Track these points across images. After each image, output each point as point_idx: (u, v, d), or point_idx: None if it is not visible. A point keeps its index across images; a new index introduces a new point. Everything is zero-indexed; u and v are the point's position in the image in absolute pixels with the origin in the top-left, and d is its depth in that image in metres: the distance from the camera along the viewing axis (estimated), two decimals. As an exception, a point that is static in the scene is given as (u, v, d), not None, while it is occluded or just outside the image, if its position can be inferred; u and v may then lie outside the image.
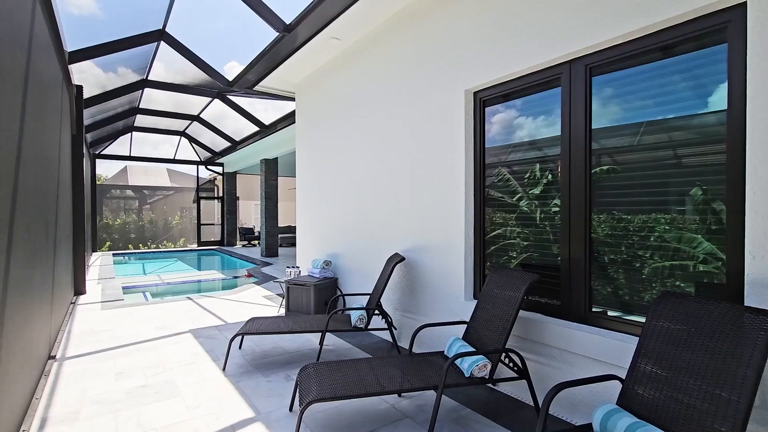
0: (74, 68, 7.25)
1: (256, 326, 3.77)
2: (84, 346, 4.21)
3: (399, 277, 4.30)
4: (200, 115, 11.59)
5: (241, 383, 3.28)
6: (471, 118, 3.55)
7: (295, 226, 20.07)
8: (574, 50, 2.72)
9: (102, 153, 14.18)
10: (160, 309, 5.88)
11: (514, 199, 3.32)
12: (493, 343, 2.71)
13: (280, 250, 14.63)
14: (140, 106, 10.67)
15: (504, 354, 2.67)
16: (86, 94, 9.89)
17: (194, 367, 3.64)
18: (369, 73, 4.82)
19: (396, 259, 3.85)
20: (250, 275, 9.31)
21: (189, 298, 6.59)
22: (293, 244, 17.55)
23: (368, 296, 4.38)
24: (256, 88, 6.63)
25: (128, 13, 6.91)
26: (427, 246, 3.89)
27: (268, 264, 10.96)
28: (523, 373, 2.61)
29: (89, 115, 9.20)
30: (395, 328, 3.80)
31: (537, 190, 3.16)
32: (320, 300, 5.12)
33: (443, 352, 3.04)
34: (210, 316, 5.46)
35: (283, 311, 5.71)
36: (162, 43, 6.76)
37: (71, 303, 6.19)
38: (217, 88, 9.04)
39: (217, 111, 11.61)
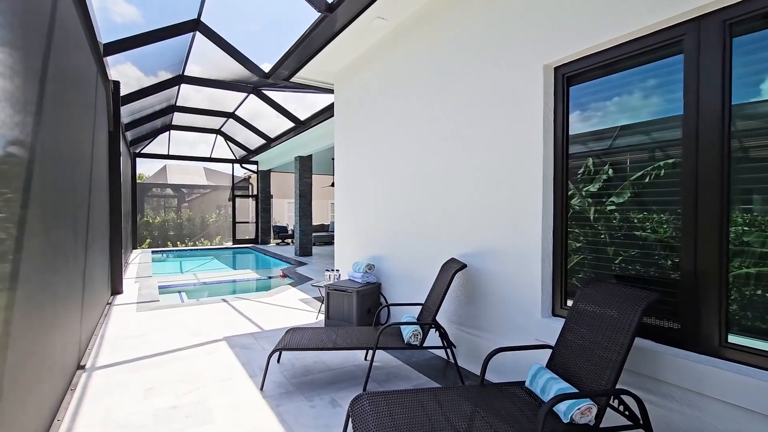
0: (116, 72, 7.19)
1: (296, 340, 3.35)
2: (115, 354, 3.94)
3: (454, 285, 3.77)
4: (236, 113, 11.46)
5: (281, 408, 2.85)
6: (551, 100, 2.96)
7: (328, 225, 19.89)
8: (705, 2, 2.09)
9: (142, 152, 14.40)
10: (195, 312, 5.62)
11: (610, 199, 2.71)
12: (595, 378, 2.13)
13: (314, 249, 14.39)
14: (177, 104, 10.63)
15: (613, 396, 2.09)
16: (133, 112, 9.96)
17: (229, 383, 3.26)
18: (418, 55, 4.29)
19: (455, 267, 3.31)
20: (284, 276, 9.03)
21: (224, 300, 6.32)
22: (327, 243, 17.31)
23: (420, 307, 3.87)
24: (293, 79, 6.27)
25: (167, 13, 6.71)
26: (492, 250, 3.34)
27: (302, 264, 10.68)
28: (639, 421, 2.02)
29: (128, 113, 9.20)
30: (455, 347, 3.28)
31: (637, 185, 2.54)
32: (363, 307, 4.66)
33: (523, 383, 2.49)
34: (245, 322, 5.13)
35: (322, 318, 5.30)
36: (197, 34, 6.51)
37: (107, 303, 6.06)
38: (253, 83, 8.79)
39: (252, 108, 11.44)
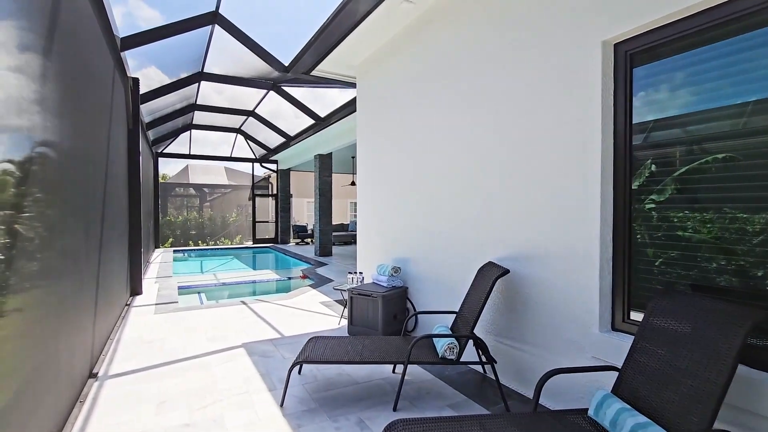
0: (141, 75, 7.10)
1: (318, 351, 3.06)
2: (130, 361, 3.74)
3: (492, 291, 3.40)
4: (255, 111, 11.33)
5: (303, 429, 2.56)
6: (611, 82, 2.57)
7: (347, 224, 19.68)
8: (826, -50, 1.68)
9: (164, 152, 14.48)
10: (213, 315, 5.42)
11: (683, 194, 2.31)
12: (683, 413, 1.75)
13: (334, 249, 14.17)
14: (197, 102, 10.55)
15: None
16: (153, 111, 9.93)
17: (247, 397, 3.00)
18: (450, 40, 3.94)
19: (496, 272, 2.96)
20: (305, 277, 8.80)
21: (243, 303, 6.11)
22: (346, 243, 17.10)
23: (453, 315, 3.52)
24: (314, 72, 6.00)
25: (187, 12, 6.57)
26: (537, 254, 2.97)
27: (322, 264, 10.45)
28: (744, 469, 1.63)
29: (148, 112, 9.15)
30: (495, 362, 2.93)
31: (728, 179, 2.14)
32: (389, 313, 4.34)
33: (585, 411, 2.12)
34: (264, 326, 4.88)
35: (344, 323, 5.01)
36: (216, 28, 6.32)
37: (126, 305, 5.93)
38: (272, 79, 8.60)
39: (271, 107, 11.30)
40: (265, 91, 9.26)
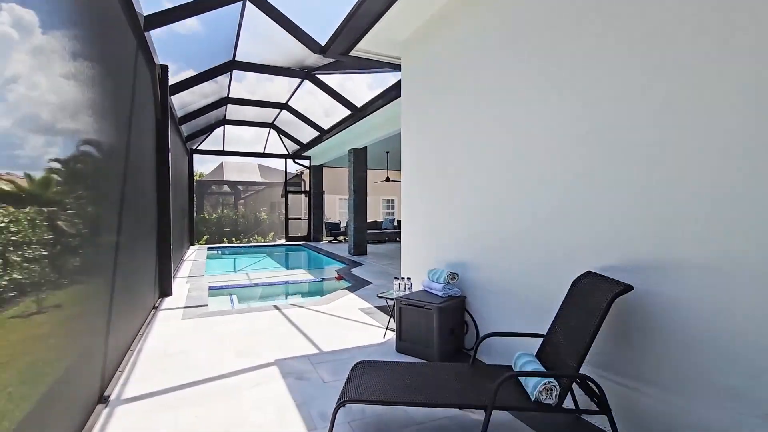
0: (179, 79, 6.73)
1: (369, 383, 2.40)
2: (148, 381, 3.23)
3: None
4: (288, 103, 10.88)
5: (354, 498, 1.91)
6: (808, 11, 1.74)
7: (381, 222, 19.07)
8: None
9: (198, 148, 14.36)
10: (244, 322, 4.90)
11: None
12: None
13: (368, 248, 13.57)
14: (230, 95, 10.20)
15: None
16: (186, 105, 9.66)
17: (280, 440, 2.38)
18: (501, 19, 3.17)
19: (613, 288, 2.18)
20: (340, 278, 8.23)
21: (276, 308, 5.58)
22: (380, 242, 16.48)
23: (538, 339, 2.77)
24: (353, 53, 5.36)
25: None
26: (667, 263, 2.17)
27: (357, 264, 9.86)
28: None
29: (180, 106, 8.85)
30: (610, 411, 2.16)
31: None
32: (445, 327, 3.64)
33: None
34: (300, 338, 4.30)
35: (390, 336, 4.35)
36: (248, 5, 5.80)
37: (153, 308, 5.53)
38: (307, 67, 8.05)
39: (305, 100, 10.81)
40: (299, 80, 8.75)
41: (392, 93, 7.23)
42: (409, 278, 4.43)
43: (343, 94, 8.72)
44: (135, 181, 4.52)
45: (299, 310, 5.47)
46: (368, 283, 7.42)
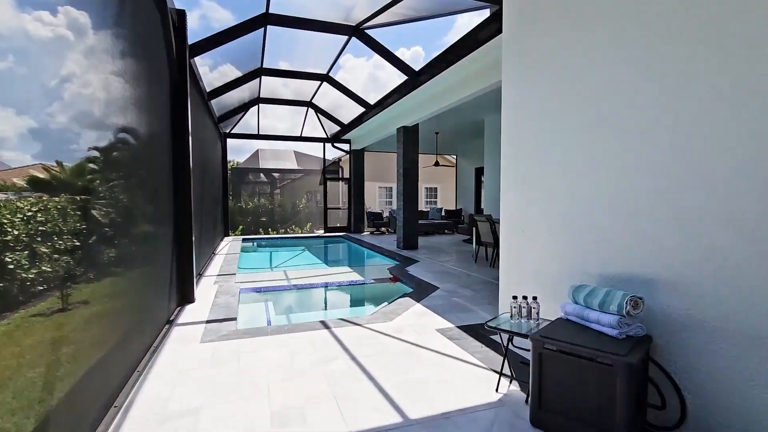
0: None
1: None
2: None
3: None
4: (329, 74, 9.43)
5: None
6: None
7: (427, 212, 17.43)
8: None
9: (232, 132, 13.26)
10: (283, 349, 3.52)
11: None
12: None
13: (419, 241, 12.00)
14: (263, 65, 8.87)
15: None
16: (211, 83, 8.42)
17: None
18: None
19: None
20: (396, 279, 6.76)
21: (324, 326, 4.17)
22: (426, 233, 14.87)
23: None
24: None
25: None
26: None
27: (411, 261, 8.34)
28: None
29: (208, 84, 7.60)
30: None
31: None
32: (632, 395, 2.05)
33: None
34: (366, 385, 2.84)
35: (514, 392, 2.79)
36: None
37: (168, 322, 4.26)
38: (353, 20, 6.53)
39: (348, 71, 9.34)
40: (345, 40, 7.24)
41: (468, 44, 5.57)
42: (535, 299, 2.84)
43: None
44: (138, 160, 3.20)
45: (355, 330, 4.02)
46: (433, 287, 5.90)
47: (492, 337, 3.81)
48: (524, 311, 2.79)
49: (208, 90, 8.36)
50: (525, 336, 2.50)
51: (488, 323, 2.81)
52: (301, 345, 3.64)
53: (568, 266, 2.95)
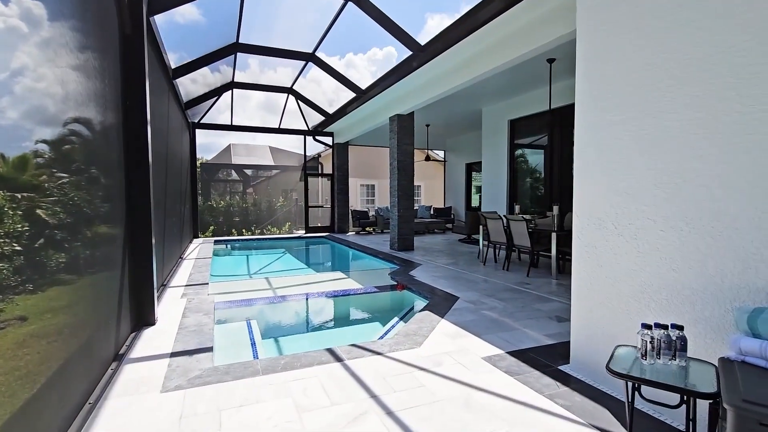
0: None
1: None
2: None
3: None
4: (316, 53, 8.31)
5: None
6: None
7: (416, 210, 16.50)
8: None
9: (201, 122, 11.86)
10: (284, 401, 2.45)
11: None
12: None
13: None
14: (239, 40, 7.66)
15: None
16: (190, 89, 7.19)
17: None
18: None
19: None
20: (402, 287, 5.76)
21: (333, 356, 3.12)
22: (417, 233, 13.92)
23: None
24: None
25: None
26: None
27: (410, 264, 7.37)
28: None
29: (172, 60, 6.36)
30: None
31: None
32: None
33: None
34: (425, 468, 1.84)
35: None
36: None
37: (115, 359, 3.09)
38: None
39: (338, 45, 8.28)
40: (341, 3, 6.18)
41: (470, 20, 4.65)
42: (680, 329, 1.90)
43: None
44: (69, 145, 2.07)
45: (376, 362, 3.00)
46: (451, 297, 4.95)
47: (564, 368, 2.88)
48: (662, 346, 1.86)
49: (173, 67, 7.10)
50: (711, 397, 1.56)
51: (611, 366, 1.85)
52: (308, 390, 2.58)
53: (708, 277, 2.05)
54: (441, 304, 4.64)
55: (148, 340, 3.49)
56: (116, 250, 3.28)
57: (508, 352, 3.20)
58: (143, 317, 3.88)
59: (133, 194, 3.73)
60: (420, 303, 4.98)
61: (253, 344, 3.77)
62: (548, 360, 3.04)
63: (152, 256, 3.95)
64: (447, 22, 5.70)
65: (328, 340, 4.21)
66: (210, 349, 3.28)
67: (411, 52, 6.37)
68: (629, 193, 2.44)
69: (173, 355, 3.16)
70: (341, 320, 5.03)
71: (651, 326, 1.89)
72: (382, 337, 3.97)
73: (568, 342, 3.42)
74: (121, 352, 3.20)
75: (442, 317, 4.12)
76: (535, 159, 9.30)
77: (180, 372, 2.85)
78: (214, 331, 3.76)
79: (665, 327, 1.87)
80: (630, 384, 1.88)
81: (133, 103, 3.77)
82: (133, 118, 3.76)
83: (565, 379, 2.73)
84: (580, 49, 2.78)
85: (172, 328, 3.81)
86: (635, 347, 2.03)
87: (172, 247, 6.88)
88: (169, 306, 4.57)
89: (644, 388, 2.03)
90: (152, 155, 4.38)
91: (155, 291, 4.01)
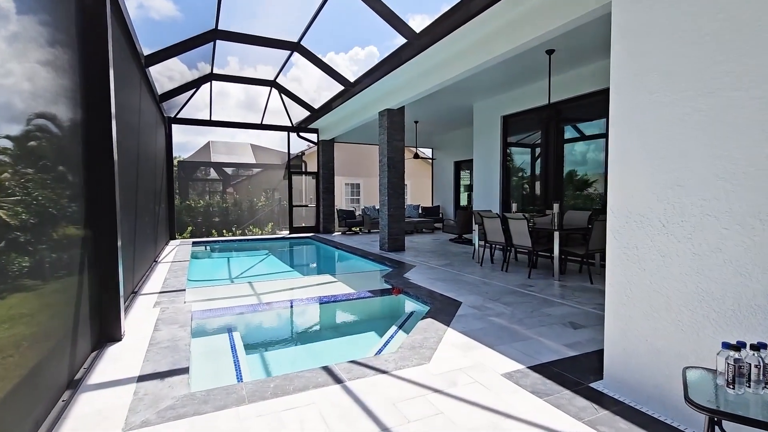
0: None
1: None
2: None
3: None
4: (301, 42, 7.83)
5: None
6: None
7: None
8: None
9: (178, 116, 11.18)
10: (276, 438, 2.02)
11: None
12: None
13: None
14: (218, 27, 7.12)
15: None
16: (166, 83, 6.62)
17: None
18: None
19: None
20: (399, 291, 5.36)
21: (332, 376, 2.69)
22: (405, 233, 13.54)
23: None
24: None
25: None
26: None
27: (403, 266, 6.98)
28: None
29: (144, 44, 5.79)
30: None
31: None
32: None
33: None
34: None
35: None
36: None
37: (67, 387, 2.58)
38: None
39: (323, 45, 7.83)
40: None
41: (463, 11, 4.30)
42: (762, 346, 1.56)
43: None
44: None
45: (382, 383, 2.59)
46: (453, 301, 4.58)
47: (597, 386, 2.53)
48: (753, 372, 1.51)
49: (146, 53, 6.51)
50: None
51: (692, 398, 1.49)
52: (305, 423, 2.15)
53: (791, 285, 1.72)
54: (444, 310, 4.26)
55: (112, 360, 2.98)
56: (74, 255, 2.77)
57: (529, 367, 2.83)
58: (107, 332, 3.36)
59: (95, 193, 3.21)
60: (419, 308, 4.59)
61: (237, 361, 3.29)
62: (576, 376, 2.69)
63: (117, 260, 3.43)
64: (428, 22, 5.38)
65: (321, 354, 3.77)
66: (185, 371, 2.80)
67: (405, 40, 5.97)
68: (682, 185, 2.10)
69: (141, 378, 2.67)
70: (335, 330, 4.59)
71: (737, 346, 1.54)
72: (382, 349, 3.57)
73: (592, 353, 3.10)
74: (78, 376, 2.69)
75: (448, 326, 3.73)
76: (528, 157, 9.04)
77: (148, 402, 2.37)
78: (191, 347, 3.27)
79: (757, 348, 1.52)
80: (707, 416, 1.52)
81: (94, 87, 3.25)
82: (95, 105, 3.24)
83: (602, 400, 2.38)
84: (616, 20, 2.43)
85: (142, 343, 3.31)
86: (707, 369, 1.69)
87: (145, 250, 6.30)
88: (139, 317, 4.04)
89: (727, 422, 1.68)
90: (120, 150, 3.87)
91: (122, 300, 3.49)
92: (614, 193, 2.45)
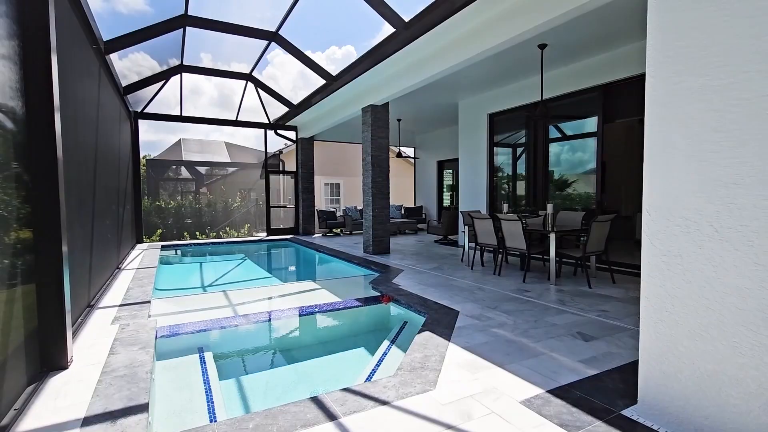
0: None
1: None
2: None
3: None
4: (279, 32, 7.32)
5: None
6: None
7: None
8: None
9: (145, 111, 10.41)
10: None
11: None
12: None
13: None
14: (188, 12, 6.54)
15: None
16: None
17: None
18: None
19: None
20: (389, 299, 4.96)
21: (323, 411, 2.26)
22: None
23: None
24: None
25: None
26: None
27: (392, 270, 6.60)
28: None
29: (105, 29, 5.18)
30: None
31: None
32: None
33: None
34: None
35: None
36: None
37: (-9, 436, 2.07)
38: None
39: (302, 34, 7.35)
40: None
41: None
42: None
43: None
44: None
45: (383, 418, 2.18)
46: (449, 310, 4.22)
47: (631, 414, 2.20)
48: None
49: (106, 39, 5.88)
50: None
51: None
52: (293, 480, 1.72)
53: None
54: (440, 320, 3.89)
55: (53, 397, 2.45)
56: (2, 265, 2.24)
57: (549, 392, 2.48)
58: (49, 358, 2.82)
59: (37, 191, 2.67)
60: (413, 318, 4.21)
61: (209, 390, 2.81)
62: (604, 402, 2.35)
63: (63, 269, 2.89)
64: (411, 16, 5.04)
65: (307, 375, 3.33)
66: (144, 408, 2.31)
67: (394, 29, 5.58)
68: (740, 184, 1.79)
69: (86, 422, 2.17)
70: (321, 346, 4.15)
71: None
72: (375, 368, 3.16)
73: (614, 371, 2.78)
74: (4, 422, 2.16)
75: (449, 340, 3.36)
76: (519, 155, 8.82)
77: (93, 455, 1.88)
78: (154, 374, 2.77)
79: None
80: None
81: (43, 82, 2.70)
82: (37, 93, 2.69)
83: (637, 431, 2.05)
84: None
85: (93, 372, 2.79)
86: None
87: (105, 256, 5.66)
88: (92, 337, 3.49)
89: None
90: (72, 144, 3.32)
91: (68, 318, 2.95)
92: (650, 193, 2.13)
